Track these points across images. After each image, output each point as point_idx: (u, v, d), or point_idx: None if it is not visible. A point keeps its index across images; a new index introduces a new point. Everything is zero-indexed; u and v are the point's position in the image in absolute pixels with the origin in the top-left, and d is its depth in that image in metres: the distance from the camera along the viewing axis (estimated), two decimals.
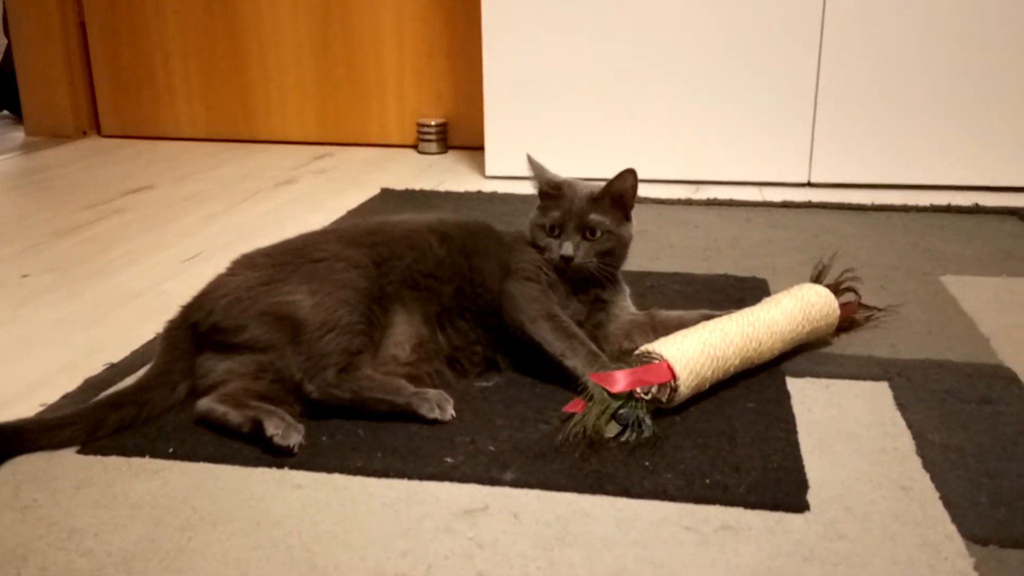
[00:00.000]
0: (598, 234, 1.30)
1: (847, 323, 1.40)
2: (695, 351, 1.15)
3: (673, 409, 1.15)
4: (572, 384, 1.17)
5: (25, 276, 1.79)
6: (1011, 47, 2.28)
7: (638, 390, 1.10)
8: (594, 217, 1.30)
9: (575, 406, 1.11)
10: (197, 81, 3.17)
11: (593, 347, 1.22)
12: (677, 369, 1.13)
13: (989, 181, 2.36)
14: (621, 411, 1.08)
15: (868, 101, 2.37)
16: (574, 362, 1.20)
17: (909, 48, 2.32)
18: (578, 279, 1.32)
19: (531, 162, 1.39)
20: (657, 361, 1.13)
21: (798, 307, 1.29)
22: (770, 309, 1.28)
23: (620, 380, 1.09)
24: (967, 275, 1.70)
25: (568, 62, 2.47)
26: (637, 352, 1.17)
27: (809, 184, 2.45)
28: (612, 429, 1.08)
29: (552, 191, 1.34)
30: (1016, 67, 2.29)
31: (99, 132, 3.31)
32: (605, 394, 1.08)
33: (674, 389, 1.13)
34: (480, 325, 1.29)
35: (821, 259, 1.43)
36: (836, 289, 1.37)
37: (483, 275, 1.31)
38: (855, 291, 1.41)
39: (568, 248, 1.29)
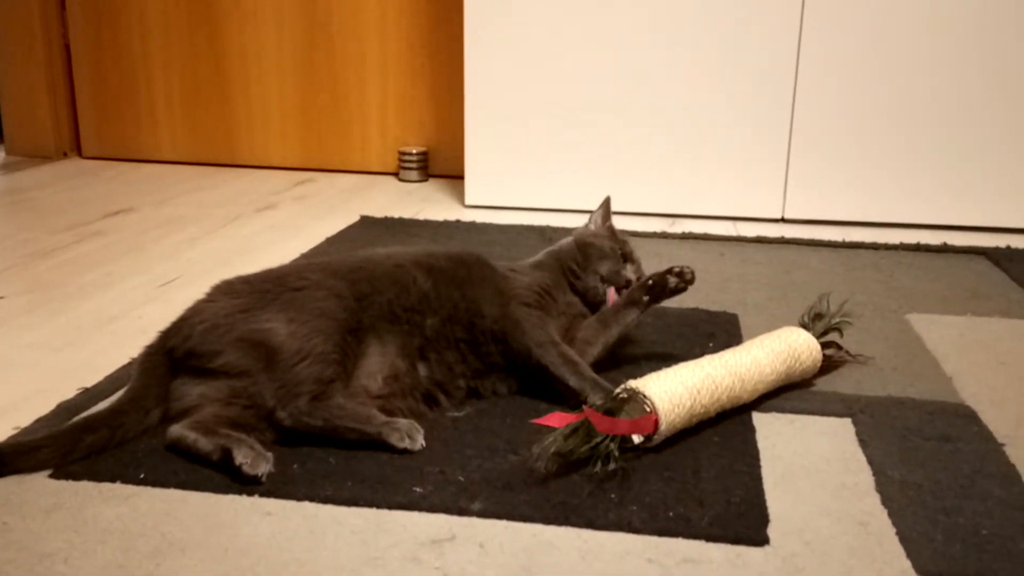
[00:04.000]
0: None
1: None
2: (683, 410, 1.17)
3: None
4: (568, 402, 1.23)
5: (1, 298, 1.79)
6: (981, 91, 2.34)
7: None
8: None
9: (549, 420, 1.13)
10: (180, 105, 3.19)
11: (591, 373, 1.29)
12: (662, 428, 1.15)
13: (958, 221, 2.41)
14: (599, 444, 1.10)
15: (841, 140, 2.42)
16: (580, 384, 1.27)
17: (882, 90, 2.37)
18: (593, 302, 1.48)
19: (608, 204, 1.62)
20: (649, 411, 1.15)
21: (785, 367, 1.31)
22: (762, 367, 1.28)
23: (617, 426, 1.11)
24: (933, 313, 1.73)
25: (548, 95, 2.51)
26: (626, 387, 1.18)
27: (783, 220, 2.49)
28: (583, 455, 1.10)
29: (615, 233, 1.57)
30: (986, 111, 2.35)
31: (80, 153, 3.31)
32: (592, 428, 1.10)
33: (649, 439, 1.15)
34: (473, 352, 1.32)
35: (813, 306, 1.46)
36: (825, 332, 1.40)
37: (478, 303, 1.34)
38: (838, 345, 1.44)
39: (632, 275, 1.50)
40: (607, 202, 1.62)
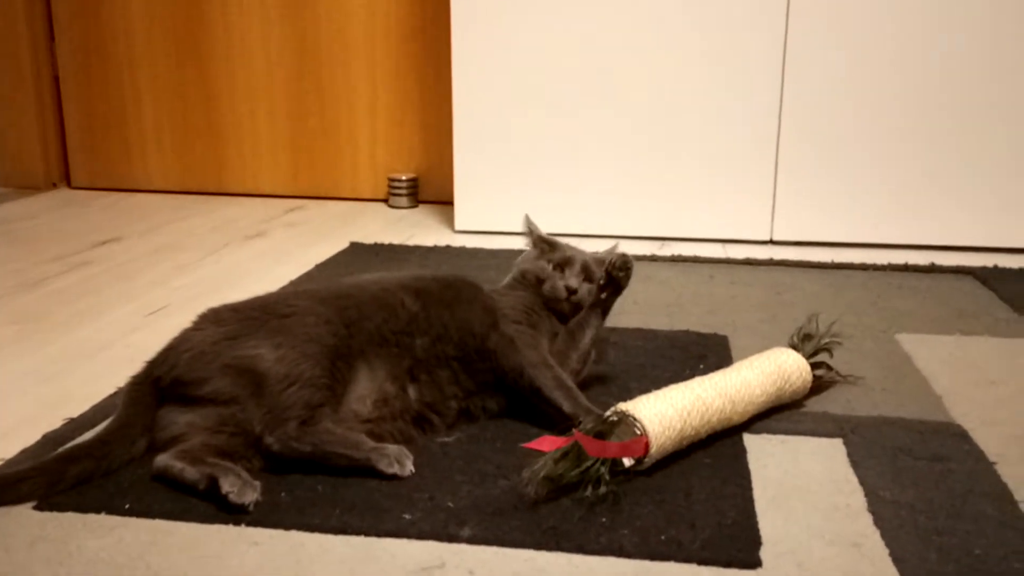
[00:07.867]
0: (594, 281, 1.45)
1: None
2: (674, 432, 1.16)
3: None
4: (558, 424, 1.23)
5: None
6: (966, 111, 2.35)
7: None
8: (594, 269, 1.47)
9: (539, 444, 1.12)
10: (169, 134, 3.19)
11: (584, 399, 1.29)
12: (653, 450, 1.14)
13: (946, 241, 2.42)
14: (589, 468, 1.10)
15: (828, 161, 2.43)
16: (574, 410, 1.27)
17: (868, 112, 2.39)
18: (564, 312, 1.44)
19: (528, 220, 1.56)
20: (639, 433, 1.15)
21: (775, 388, 1.31)
22: (752, 389, 1.28)
23: (607, 450, 1.11)
24: (922, 333, 1.73)
25: (536, 120, 2.52)
26: (617, 410, 1.18)
27: (771, 242, 2.50)
28: (573, 479, 1.09)
29: (548, 243, 1.52)
30: (972, 131, 2.36)
31: (69, 184, 3.31)
32: (582, 451, 1.10)
33: (639, 462, 1.15)
34: (465, 371, 1.32)
35: (803, 327, 1.46)
36: (814, 353, 1.41)
37: (468, 322, 1.34)
38: (828, 365, 1.44)
39: (573, 281, 1.44)
40: (525, 221, 1.56)
